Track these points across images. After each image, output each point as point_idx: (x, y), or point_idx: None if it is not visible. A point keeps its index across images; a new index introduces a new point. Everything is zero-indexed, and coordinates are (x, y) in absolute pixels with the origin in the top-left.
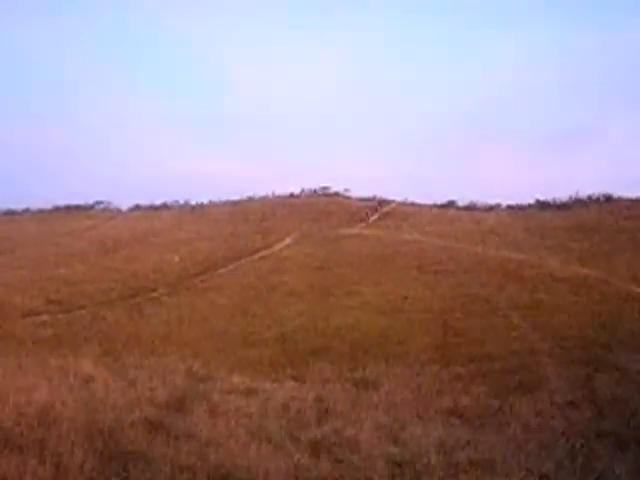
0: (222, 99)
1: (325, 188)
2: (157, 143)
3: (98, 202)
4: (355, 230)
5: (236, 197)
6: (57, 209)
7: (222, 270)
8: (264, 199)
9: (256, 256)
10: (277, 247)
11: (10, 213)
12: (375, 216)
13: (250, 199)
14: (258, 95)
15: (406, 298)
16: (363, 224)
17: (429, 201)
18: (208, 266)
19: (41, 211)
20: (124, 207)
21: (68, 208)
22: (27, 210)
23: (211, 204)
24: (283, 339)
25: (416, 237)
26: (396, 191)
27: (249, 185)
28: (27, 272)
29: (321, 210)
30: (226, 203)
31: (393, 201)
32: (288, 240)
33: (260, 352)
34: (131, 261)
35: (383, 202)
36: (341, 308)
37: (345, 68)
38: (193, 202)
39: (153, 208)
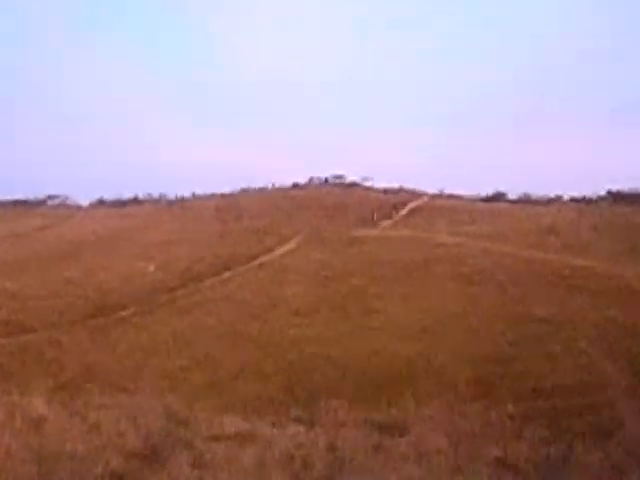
0: (209, 67)
1: (339, 177)
2: (128, 121)
3: (51, 196)
4: (377, 231)
5: (226, 189)
6: (15, 202)
7: (209, 282)
8: (262, 191)
9: (252, 264)
10: (278, 252)
11: None
12: (402, 212)
13: (244, 191)
14: (254, 62)
15: (441, 317)
16: (387, 223)
17: (471, 193)
18: (191, 277)
19: None
20: (85, 202)
21: (14, 204)
22: None
23: (195, 198)
24: (286, 371)
25: (454, 239)
26: (429, 181)
27: (243, 174)
28: None
29: (334, 205)
30: (214, 196)
31: (425, 193)
32: (292, 243)
33: (257, 387)
34: (94, 271)
35: (412, 195)
36: (359, 331)
37: (363, 26)
38: (172, 195)
39: (121, 203)
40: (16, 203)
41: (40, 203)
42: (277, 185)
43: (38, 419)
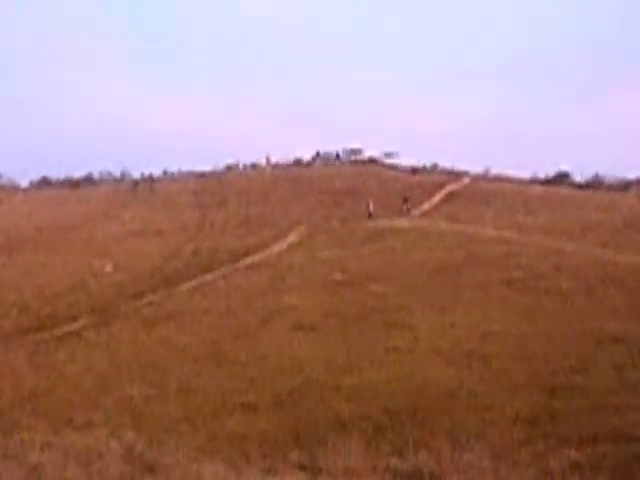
0: (189, 18)
1: (354, 152)
2: (81, 79)
3: None
4: (403, 222)
5: (207, 167)
6: None
7: (184, 287)
8: (253, 170)
9: (239, 264)
10: (275, 249)
11: None
12: (437, 198)
13: (230, 170)
14: (245, 10)
15: (487, 335)
16: (417, 212)
17: (525, 174)
18: (161, 280)
19: None
20: (23, 182)
21: None
22: None
23: (167, 177)
24: (284, 402)
25: (504, 234)
26: (471, 157)
27: (229, 147)
28: None
29: (347, 188)
30: (191, 176)
31: (466, 173)
32: (292, 237)
33: (246, 423)
34: (34, 272)
35: (450, 175)
36: (380, 352)
37: None
38: (137, 174)
39: (71, 184)
40: None
41: None
42: (273, 161)
43: None
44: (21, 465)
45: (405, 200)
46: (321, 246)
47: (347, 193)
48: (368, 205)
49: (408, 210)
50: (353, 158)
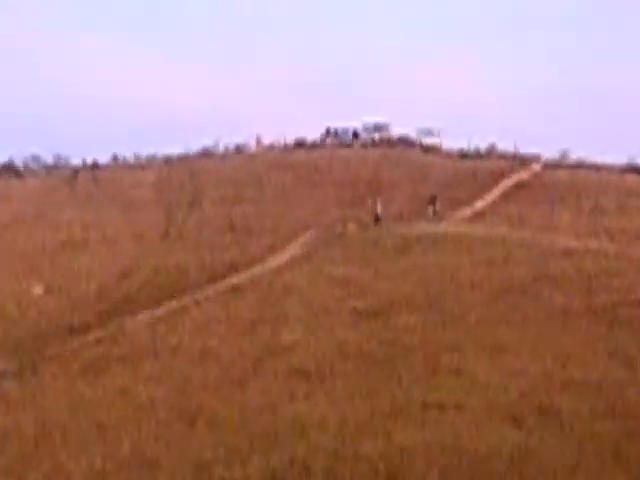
0: None
1: (379, 128)
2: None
3: None
4: (447, 226)
5: (177, 149)
6: None
7: (142, 317)
8: (239, 154)
9: (221, 285)
10: (269, 264)
11: None
12: (494, 193)
13: (207, 154)
14: None
15: (565, 385)
16: (465, 212)
17: (618, 159)
18: (110, 308)
19: None
20: None
21: None
22: None
23: (119, 165)
24: (282, 475)
25: (588, 243)
26: (541, 136)
27: (207, 122)
28: None
29: (370, 179)
30: (153, 162)
31: (535, 158)
32: (294, 248)
33: None
34: None
35: (512, 160)
36: (414, 408)
37: None
38: (76, 160)
39: None
40: None
41: None
42: (266, 142)
43: None
44: None
45: (432, 200)
46: (333, 260)
47: (369, 186)
48: (375, 205)
49: (435, 213)
50: (377, 137)
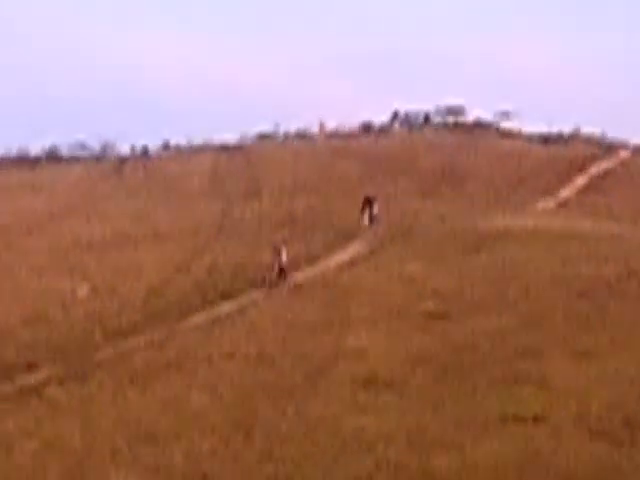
0: None
1: (453, 111)
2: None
3: None
4: (527, 219)
5: (232, 136)
6: None
7: (195, 320)
8: (300, 141)
9: (280, 285)
10: (332, 261)
11: None
12: (580, 181)
13: (265, 140)
14: None
15: None
16: (548, 202)
17: None
18: (159, 310)
19: None
20: None
21: None
22: None
23: (169, 153)
24: None
25: None
26: (630, 120)
27: (264, 106)
28: None
29: (443, 167)
30: (207, 150)
31: (624, 144)
32: (359, 244)
33: None
34: None
35: (599, 146)
36: (491, 419)
37: None
38: (124, 148)
39: (26, 163)
40: None
41: None
42: (329, 128)
43: None
44: None
45: (367, 203)
46: (402, 257)
47: (442, 175)
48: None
49: (372, 220)
50: (451, 121)
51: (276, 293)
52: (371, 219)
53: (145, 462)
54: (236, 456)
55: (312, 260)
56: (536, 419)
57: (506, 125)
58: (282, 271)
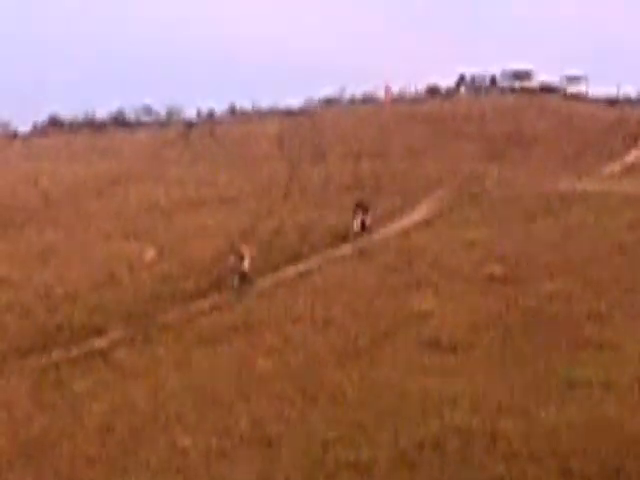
0: None
1: (520, 75)
2: None
3: None
4: (594, 181)
5: (297, 100)
6: None
7: (261, 283)
8: (366, 105)
9: (346, 248)
10: (398, 225)
11: None
12: None
13: (330, 105)
14: None
15: None
16: (615, 164)
17: None
18: (226, 271)
19: None
20: (23, 125)
21: None
22: None
23: (235, 117)
24: (412, 461)
25: None
26: None
27: (328, 70)
28: None
29: (510, 131)
30: (273, 115)
31: None
32: (425, 207)
33: None
34: (41, 260)
35: None
36: (559, 384)
37: None
38: (191, 112)
39: (93, 127)
40: None
41: None
42: (394, 91)
43: None
44: None
45: (360, 208)
46: (468, 221)
47: (508, 139)
48: (361, 210)
49: (364, 228)
50: (517, 85)
51: (341, 257)
52: (363, 226)
53: (210, 425)
54: (301, 420)
55: (377, 224)
56: (603, 384)
57: (573, 89)
58: (244, 275)
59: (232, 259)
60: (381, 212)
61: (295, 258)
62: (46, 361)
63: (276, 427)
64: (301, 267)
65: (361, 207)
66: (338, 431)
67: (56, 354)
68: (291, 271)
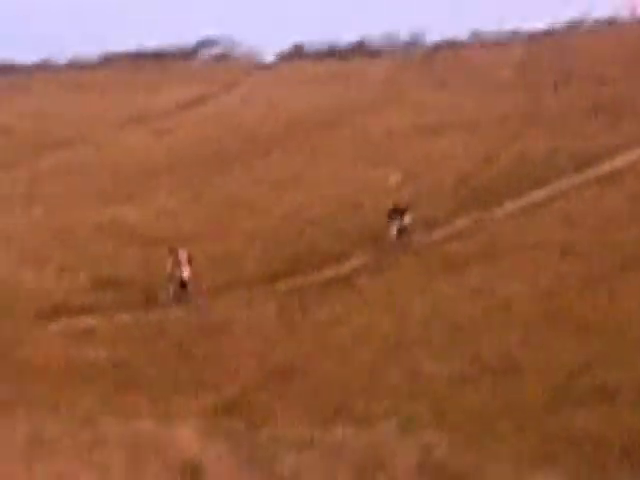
0: None
1: None
2: None
3: (205, 42)
4: None
5: (539, 24)
6: (138, 56)
7: (503, 209)
8: (610, 27)
9: (590, 174)
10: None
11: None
12: None
13: (574, 28)
14: None
15: None
16: None
17: None
18: (468, 199)
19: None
20: (268, 53)
21: (157, 57)
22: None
23: (474, 44)
24: None
25: None
26: None
27: None
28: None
29: None
30: (515, 39)
31: None
32: None
33: (601, 418)
34: (286, 187)
35: None
36: None
37: None
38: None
39: (336, 55)
40: (147, 57)
41: (186, 56)
42: None
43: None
44: (272, 474)
45: (396, 212)
46: None
47: None
48: (398, 214)
49: (402, 233)
50: None
51: (585, 182)
52: (400, 231)
53: (456, 352)
54: (546, 346)
55: (622, 150)
56: None
57: None
58: (183, 284)
59: (169, 265)
60: (624, 137)
61: (540, 183)
62: (291, 286)
63: (521, 355)
64: (546, 192)
65: (398, 212)
66: (583, 358)
67: (300, 280)
68: (536, 196)
